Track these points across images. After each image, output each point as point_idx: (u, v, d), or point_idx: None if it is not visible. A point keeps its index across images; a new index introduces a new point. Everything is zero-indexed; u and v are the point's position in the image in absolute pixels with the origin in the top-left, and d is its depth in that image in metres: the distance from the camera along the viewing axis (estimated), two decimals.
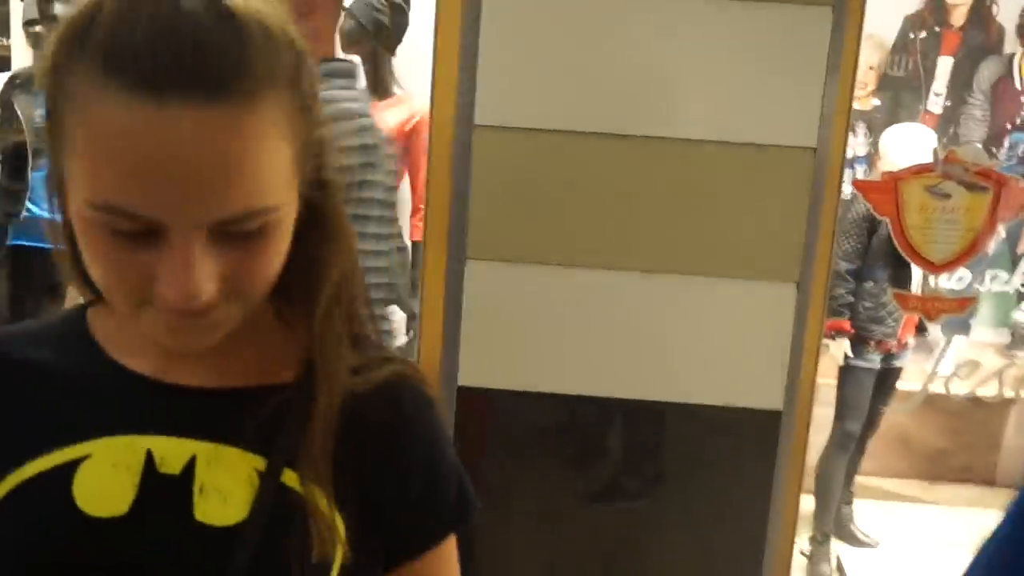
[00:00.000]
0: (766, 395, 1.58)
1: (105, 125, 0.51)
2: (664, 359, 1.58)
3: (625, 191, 1.55)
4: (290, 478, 0.62)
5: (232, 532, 0.60)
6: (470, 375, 1.63)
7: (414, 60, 2.80)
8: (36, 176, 2.62)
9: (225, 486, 0.60)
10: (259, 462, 0.62)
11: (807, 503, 3.34)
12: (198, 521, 0.60)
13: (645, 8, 1.50)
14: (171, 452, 0.61)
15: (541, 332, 1.60)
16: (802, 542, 3.46)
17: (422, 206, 2.52)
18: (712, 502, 1.66)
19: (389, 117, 2.72)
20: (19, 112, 2.62)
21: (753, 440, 1.60)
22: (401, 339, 2.57)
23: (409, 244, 2.73)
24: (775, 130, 1.52)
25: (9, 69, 3.54)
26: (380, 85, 2.78)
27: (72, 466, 0.60)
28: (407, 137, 2.72)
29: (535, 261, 1.59)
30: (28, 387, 0.63)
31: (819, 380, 1.61)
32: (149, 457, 0.60)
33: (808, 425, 1.60)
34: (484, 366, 1.63)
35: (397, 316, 2.57)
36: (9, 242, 2.66)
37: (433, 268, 1.64)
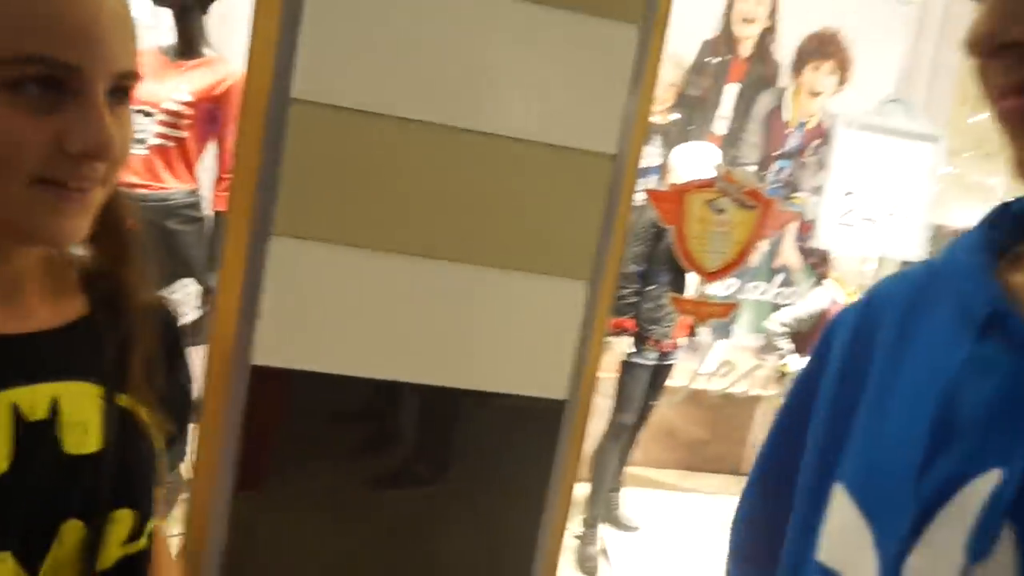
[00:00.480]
0: (552, 385, 1.68)
1: None
2: (459, 346, 1.64)
3: (435, 180, 1.59)
4: (122, 399, 0.70)
5: (91, 457, 0.66)
6: (265, 354, 1.61)
7: (229, 21, 2.69)
8: None
9: (82, 418, 0.66)
10: (96, 390, 0.68)
11: (581, 489, 3.55)
12: (67, 454, 0.64)
13: (467, 3, 1.54)
14: (32, 400, 0.64)
15: (342, 314, 1.61)
16: (575, 526, 3.67)
17: (227, 176, 2.44)
18: (495, 487, 1.74)
19: (197, 78, 2.58)
20: None
21: (538, 428, 1.70)
22: (192, 313, 2.47)
23: (212, 216, 2.63)
24: (578, 134, 1.61)
25: None
26: (188, 44, 2.63)
27: None
28: (215, 101, 2.59)
29: (341, 242, 1.59)
30: None
31: (600, 373, 1.72)
32: (15, 409, 0.62)
33: (588, 415, 1.71)
34: (281, 345, 1.61)
35: (190, 288, 2.46)
36: None
37: (234, 241, 1.59)
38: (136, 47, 0.62)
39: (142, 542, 0.70)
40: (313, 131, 1.54)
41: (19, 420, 0.62)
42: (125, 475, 0.68)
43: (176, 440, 0.81)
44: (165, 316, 0.80)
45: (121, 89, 0.61)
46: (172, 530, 1.95)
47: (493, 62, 1.57)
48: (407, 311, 1.62)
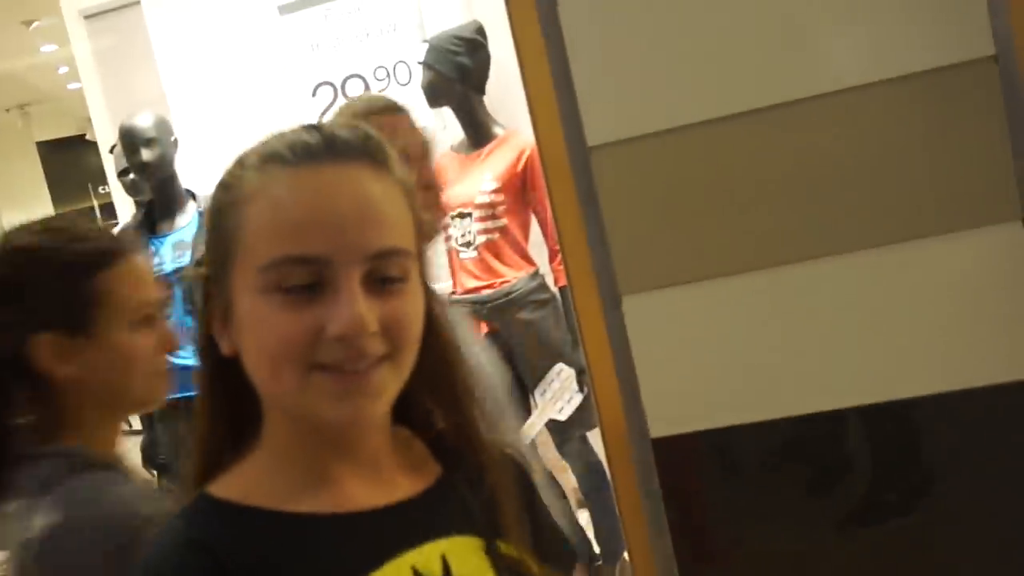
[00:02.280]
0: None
1: (273, 198, 0.67)
2: (886, 350, 1.41)
3: (776, 171, 1.40)
4: (503, 547, 0.76)
5: None
6: (663, 423, 1.51)
7: (510, 88, 2.75)
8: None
9: (474, 571, 0.73)
10: (477, 541, 0.75)
11: None
12: None
13: None
14: (426, 561, 0.70)
15: (729, 356, 1.47)
16: None
17: (558, 247, 2.46)
18: (992, 497, 1.46)
19: (497, 162, 2.66)
20: None
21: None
22: (576, 397, 2.47)
23: (557, 291, 2.66)
24: (932, 50, 1.34)
25: (115, 216, 3.76)
26: (478, 131, 2.73)
27: None
28: (521, 176, 2.64)
29: (699, 278, 1.46)
30: (248, 568, 0.66)
31: None
32: (415, 573, 0.69)
33: None
34: (675, 409, 1.51)
35: (564, 374, 2.48)
36: None
37: (586, 313, 1.54)
38: (401, 220, 0.70)
39: None
40: (623, 172, 1.45)
41: None
42: None
43: None
44: (514, 463, 0.86)
45: (384, 271, 0.68)
46: None
47: (791, 10, 1.37)
48: (803, 329, 1.43)
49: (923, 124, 1.36)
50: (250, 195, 0.68)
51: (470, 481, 0.79)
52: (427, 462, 0.80)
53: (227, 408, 0.75)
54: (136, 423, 3.13)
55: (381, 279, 0.68)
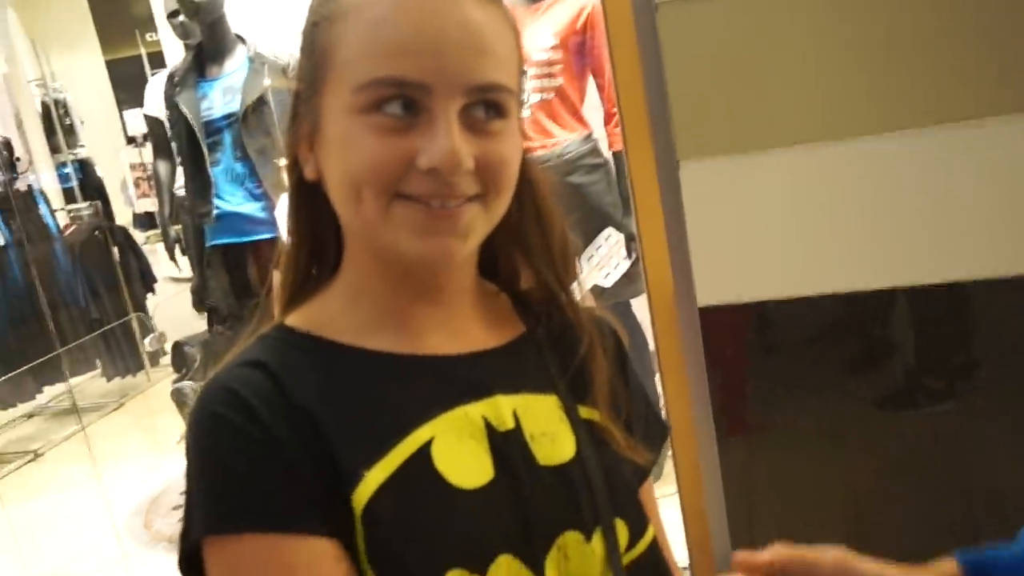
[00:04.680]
0: None
1: (374, 14, 0.63)
2: (945, 230, 1.38)
3: (845, 42, 1.35)
4: (585, 412, 0.74)
5: (567, 468, 0.70)
6: (711, 292, 1.52)
7: None
8: (217, 171, 2.75)
9: (547, 429, 0.70)
10: (554, 401, 0.72)
11: None
12: (541, 465, 0.69)
13: None
14: (496, 412, 0.69)
15: (783, 228, 1.45)
16: None
17: (615, 109, 2.41)
18: None
19: (556, 17, 2.58)
20: (184, 110, 2.75)
21: None
22: (623, 263, 2.48)
23: (610, 156, 2.63)
24: None
25: (164, 65, 3.74)
26: None
27: (424, 452, 0.65)
28: (581, 33, 2.57)
29: (759, 147, 1.43)
30: (314, 397, 0.65)
31: None
32: (486, 421, 0.68)
33: None
34: (725, 279, 1.51)
35: (613, 239, 2.48)
36: (208, 243, 2.82)
37: (642, 178, 1.53)
38: (506, 55, 0.66)
39: (639, 549, 0.72)
40: (688, 31, 1.40)
41: (491, 432, 0.68)
42: (605, 486, 0.71)
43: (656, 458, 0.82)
44: (608, 331, 0.82)
45: (485, 103, 0.64)
46: (667, 490, 2.00)
47: None
48: (860, 205, 1.40)
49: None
50: (350, 9, 0.64)
51: (555, 342, 0.76)
52: (510, 319, 0.77)
53: (310, 237, 0.73)
54: (186, 267, 3.22)
55: (481, 115, 0.64)
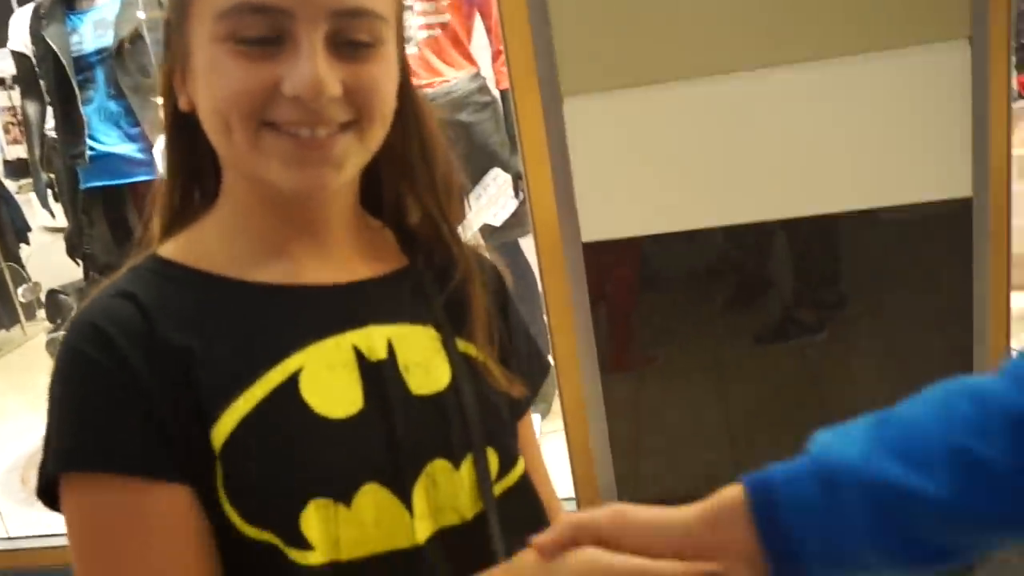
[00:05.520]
0: (948, 181, 1.42)
1: None
2: (819, 164, 1.44)
3: None
4: (462, 344, 0.74)
5: (440, 397, 0.70)
6: (595, 228, 1.54)
7: None
8: (89, 110, 2.62)
9: (421, 359, 0.70)
10: (432, 332, 0.72)
11: (1020, 301, 3.12)
12: (414, 394, 0.69)
13: None
14: (369, 341, 0.68)
15: (666, 164, 1.48)
16: (1020, 342, 3.25)
17: (502, 48, 2.39)
18: (902, 320, 1.54)
19: None
20: (52, 44, 2.60)
21: (941, 239, 1.45)
22: (511, 203, 2.49)
23: (498, 94, 2.61)
24: None
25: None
26: None
27: (292, 382, 0.64)
28: None
29: (642, 82, 1.45)
30: (179, 327, 0.64)
31: (1016, 151, 1.42)
32: (357, 351, 0.67)
33: (1008, 207, 1.43)
34: (608, 215, 1.53)
35: (500, 179, 2.48)
36: (82, 186, 2.70)
37: (527, 116, 1.53)
38: None
39: (510, 479, 0.74)
40: None
41: (363, 362, 0.67)
42: (479, 416, 0.71)
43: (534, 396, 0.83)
44: (491, 267, 0.83)
45: (353, 32, 0.63)
46: (555, 425, 2.04)
47: None
48: (744, 140, 1.44)
49: None
50: None
51: (436, 276, 0.76)
52: (393, 253, 0.77)
53: (185, 169, 0.72)
54: (61, 216, 3.07)
55: (349, 42, 0.63)
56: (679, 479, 1.73)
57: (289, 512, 0.61)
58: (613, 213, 1.53)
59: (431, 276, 0.76)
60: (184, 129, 0.69)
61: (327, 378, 0.66)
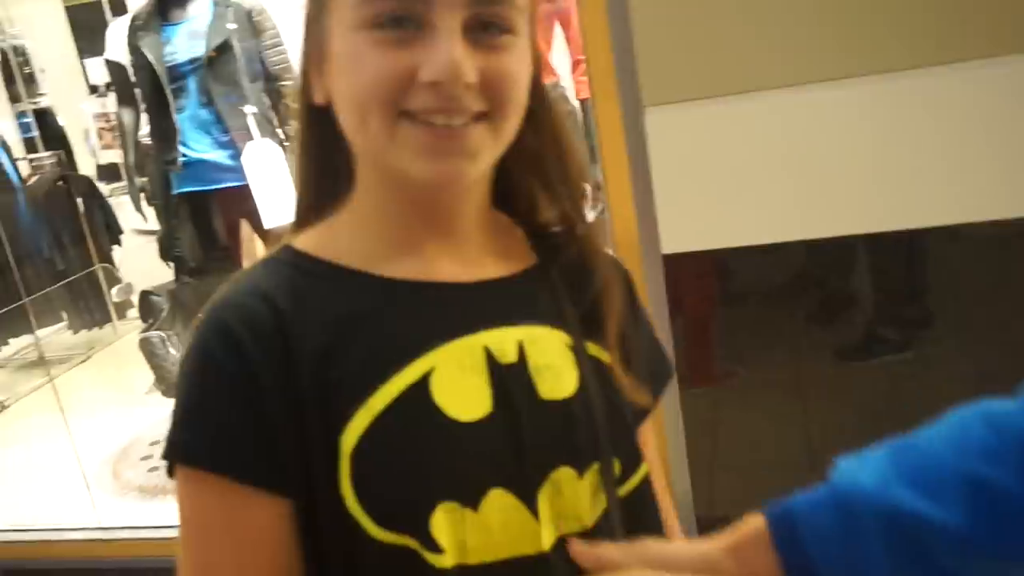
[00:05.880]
0: None
1: None
2: (907, 177, 1.40)
3: None
4: (592, 348, 0.72)
5: (568, 403, 0.69)
6: (675, 240, 1.53)
7: None
8: (182, 118, 2.71)
9: (552, 362, 0.69)
10: (563, 336, 0.71)
11: None
12: (542, 399, 0.68)
13: None
14: (501, 343, 0.68)
15: (750, 176, 1.46)
16: None
17: (581, 58, 2.39)
18: (991, 339, 1.49)
19: None
20: (148, 54, 2.70)
21: None
22: (589, 215, 2.48)
23: (577, 105, 2.62)
24: None
25: (125, 10, 3.66)
26: None
27: (423, 383, 0.65)
28: None
29: (726, 93, 1.43)
30: (313, 324, 0.65)
31: None
32: (488, 353, 0.67)
33: None
34: (689, 227, 1.52)
35: None
36: (174, 191, 2.79)
37: (607, 126, 1.53)
38: None
39: (629, 485, 0.73)
40: None
41: (493, 364, 0.67)
42: (605, 423, 0.71)
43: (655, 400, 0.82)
44: (622, 271, 0.81)
45: (490, 19, 0.63)
46: None
47: None
48: (828, 152, 1.42)
49: None
50: None
51: (568, 276, 0.74)
52: (524, 251, 0.76)
53: (320, 162, 0.73)
54: (152, 219, 3.18)
55: (484, 28, 0.63)
56: (755, 497, 1.70)
57: (420, 515, 0.62)
58: (694, 225, 1.51)
59: (562, 276, 0.74)
60: (318, 124, 0.70)
61: (458, 379, 0.66)
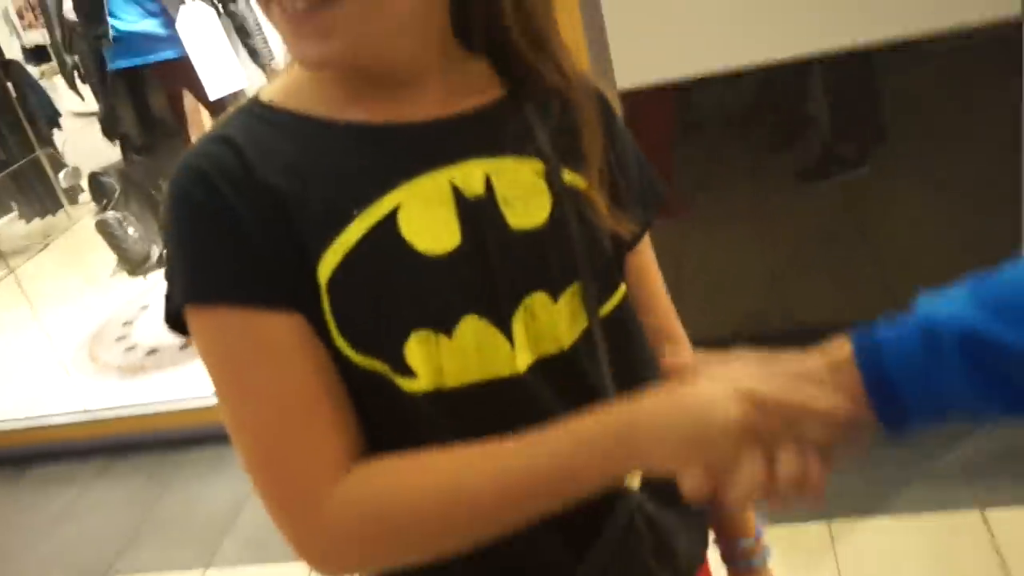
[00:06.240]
0: (996, 1, 1.36)
1: None
2: None
3: None
4: (568, 176, 0.72)
5: (540, 231, 0.69)
6: (628, 74, 1.51)
7: None
8: None
9: (521, 193, 0.70)
10: (535, 165, 0.71)
11: None
12: (512, 228, 0.69)
13: None
14: (466, 177, 0.68)
15: (699, 1, 1.43)
16: None
17: None
18: (946, 152, 1.52)
19: None
20: None
21: (988, 66, 1.41)
22: None
23: None
24: None
25: None
26: None
27: (390, 220, 0.66)
28: None
29: None
30: (280, 170, 0.66)
31: None
32: (454, 187, 0.68)
33: None
34: (642, 59, 1.50)
35: None
36: (108, 68, 2.68)
37: None
38: None
39: (606, 308, 0.74)
40: None
41: (459, 197, 0.68)
42: (583, 248, 0.72)
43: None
44: (598, 95, 0.78)
45: None
46: None
47: None
48: None
49: None
50: None
51: (540, 105, 0.73)
52: (490, 82, 0.74)
53: None
54: (90, 99, 3.07)
55: None
56: (721, 321, 1.76)
57: (394, 342, 0.65)
58: (648, 58, 1.49)
59: (533, 105, 0.73)
60: None
61: (425, 214, 0.67)
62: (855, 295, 1.69)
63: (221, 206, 0.64)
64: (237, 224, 0.64)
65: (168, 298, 0.66)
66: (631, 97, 1.53)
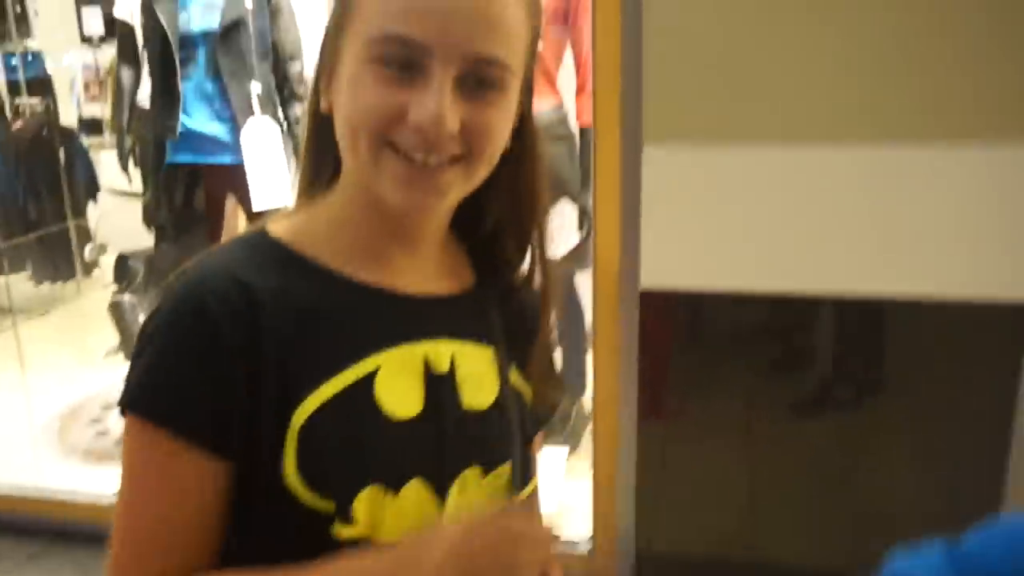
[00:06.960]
0: (1015, 283, 1.44)
1: None
2: (885, 246, 1.47)
3: (826, 50, 1.42)
4: (513, 375, 0.83)
5: (486, 413, 0.79)
6: (654, 276, 1.59)
7: None
8: (186, 87, 2.73)
9: (475, 377, 0.79)
10: (488, 353, 0.81)
11: None
12: (464, 408, 0.78)
13: None
14: (437, 354, 0.78)
15: (736, 224, 1.53)
16: None
17: (588, 81, 2.44)
18: (939, 413, 1.56)
19: None
20: (161, 18, 2.72)
21: (997, 340, 1.48)
22: (573, 236, 2.54)
23: (577, 129, 2.67)
24: None
25: None
26: None
27: (368, 380, 0.74)
28: (566, 2, 2.59)
29: (726, 139, 1.50)
30: (283, 315, 0.73)
31: None
32: (426, 361, 0.77)
33: None
34: (670, 265, 1.58)
35: (566, 211, 2.54)
36: (168, 160, 2.80)
37: (605, 155, 1.59)
38: (514, 32, 0.71)
39: (524, 493, 0.84)
40: (673, 16, 1.46)
41: (428, 371, 0.76)
42: (515, 432, 0.82)
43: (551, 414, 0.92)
44: (534, 300, 0.89)
45: (481, 77, 0.70)
46: (583, 463, 2.07)
47: None
48: (813, 211, 1.49)
49: (974, 32, 1.37)
50: None
51: (501, 298, 0.84)
52: (465, 270, 0.85)
53: (318, 160, 0.81)
54: (137, 182, 3.17)
55: (477, 83, 0.70)
56: (696, 536, 1.76)
57: (349, 491, 0.71)
58: (675, 264, 1.57)
59: (497, 299, 0.84)
60: (321, 127, 0.78)
61: (398, 380, 0.75)
62: (826, 538, 1.70)
63: (210, 345, 0.69)
64: (220, 363, 0.69)
65: (126, 388, 0.71)
66: (650, 296, 1.60)
